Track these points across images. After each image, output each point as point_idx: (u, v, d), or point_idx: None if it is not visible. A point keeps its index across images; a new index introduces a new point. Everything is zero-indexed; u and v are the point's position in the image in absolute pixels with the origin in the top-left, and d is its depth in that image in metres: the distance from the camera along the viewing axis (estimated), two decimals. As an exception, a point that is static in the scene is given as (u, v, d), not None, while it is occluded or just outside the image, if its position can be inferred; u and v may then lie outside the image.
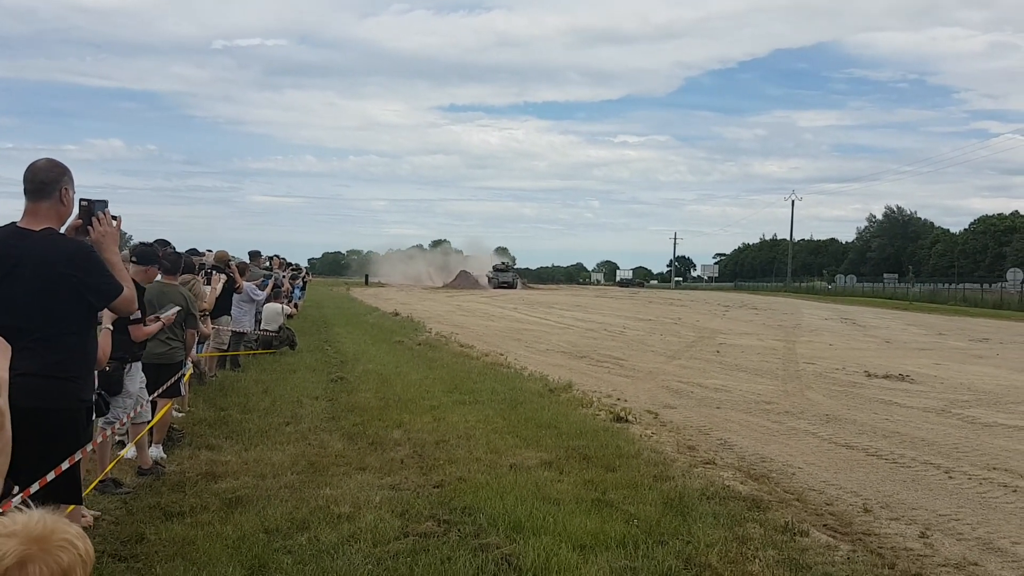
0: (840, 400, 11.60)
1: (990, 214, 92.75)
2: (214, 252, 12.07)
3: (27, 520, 1.29)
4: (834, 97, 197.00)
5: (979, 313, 41.05)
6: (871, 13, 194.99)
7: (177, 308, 6.75)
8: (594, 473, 6.63)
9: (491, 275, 76.91)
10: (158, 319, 6.32)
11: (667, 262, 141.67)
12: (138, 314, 5.73)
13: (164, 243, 8.60)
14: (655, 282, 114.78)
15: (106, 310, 3.97)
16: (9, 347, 1.97)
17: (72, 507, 3.82)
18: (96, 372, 5.37)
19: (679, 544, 5.00)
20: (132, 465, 6.54)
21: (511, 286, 73.21)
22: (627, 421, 9.19)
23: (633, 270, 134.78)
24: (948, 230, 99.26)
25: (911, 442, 8.75)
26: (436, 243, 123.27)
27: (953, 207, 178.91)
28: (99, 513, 5.36)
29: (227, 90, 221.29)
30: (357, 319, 26.50)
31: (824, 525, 5.71)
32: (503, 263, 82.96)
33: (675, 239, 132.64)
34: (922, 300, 55.54)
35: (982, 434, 9.30)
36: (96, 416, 4.05)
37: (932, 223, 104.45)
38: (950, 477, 7.26)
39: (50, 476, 3.56)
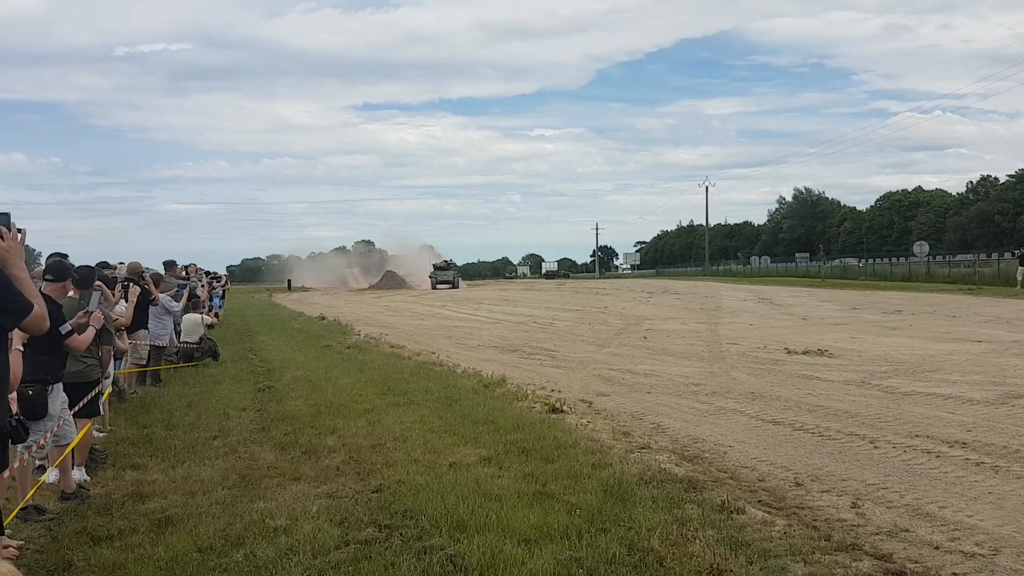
0: (764, 378, 11.89)
1: (894, 190, 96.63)
2: (126, 264, 11.65)
3: None
4: (738, 84, 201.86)
5: (889, 287, 42.65)
6: (767, 0, 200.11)
7: (99, 294, 6.48)
8: (534, 466, 6.63)
9: (432, 275, 71.53)
10: (88, 315, 6.06)
11: (591, 252, 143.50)
12: (68, 327, 5.47)
13: (61, 255, 8.27)
14: (563, 272, 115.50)
15: (16, 330, 3.76)
16: None
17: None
18: (17, 396, 5.13)
19: (621, 530, 5.04)
20: (54, 490, 6.26)
21: (453, 285, 68.63)
22: (562, 412, 9.23)
23: (558, 262, 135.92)
24: (855, 208, 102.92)
25: (835, 415, 9.02)
26: (359, 244, 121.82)
27: (858, 185, 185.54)
28: (23, 542, 5.11)
29: (132, 97, 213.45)
30: (282, 325, 25.98)
31: (759, 501, 5.83)
32: (444, 261, 76.10)
33: (597, 229, 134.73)
34: (834, 277, 57.43)
35: (902, 403, 9.65)
36: (14, 443, 3.84)
37: (839, 202, 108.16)
38: (875, 447, 7.50)
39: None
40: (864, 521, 5.40)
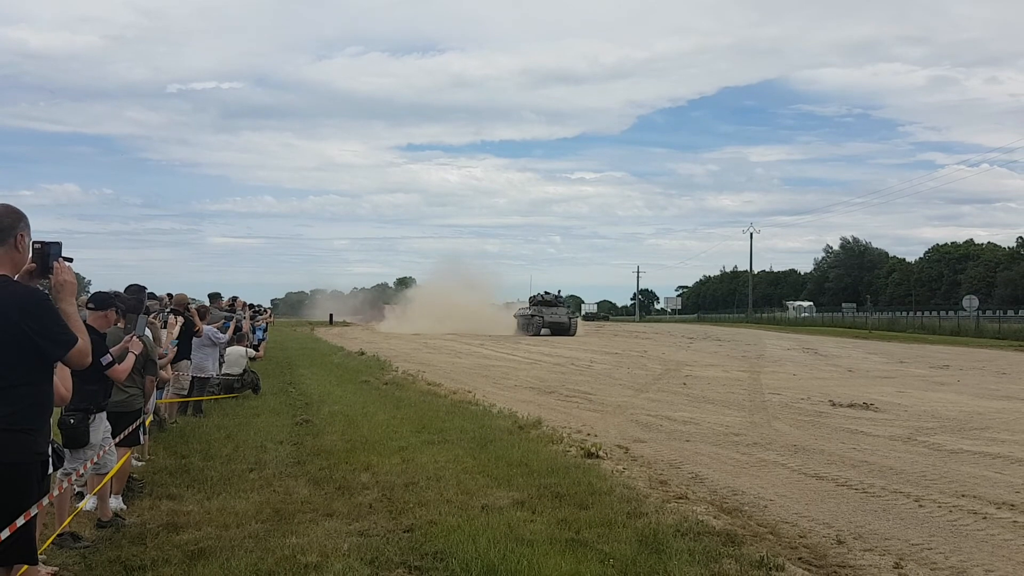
0: (807, 430, 11.65)
1: (942, 243, 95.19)
2: (175, 296, 11.85)
3: None
4: (783, 132, 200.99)
5: (937, 340, 41.78)
6: (812, 51, 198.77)
7: (146, 317, 6.59)
8: (567, 511, 6.54)
9: (529, 313, 48.42)
10: (132, 339, 6.16)
11: (631, 295, 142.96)
12: (108, 357, 5.57)
13: (140, 288, 8.45)
14: (602, 315, 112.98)
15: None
16: None
17: (25, 568, 3.65)
18: (59, 425, 5.20)
19: (655, 583, 4.93)
20: (91, 517, 6.32)
21: (566, 330, 46.46)
22: (598, 457, 9.12)
23: (598, 304, 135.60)
24: (904, 259, 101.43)
25: (879, 471, 8.79)
26: (401, 281, 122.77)
27: (905, 236, 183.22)
28: (57, 569, 5.15)
29: (183, 133, 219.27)
30: (322, 359, 26.17)
31: (799, 559, 5.68)
32: (549, 294, 50.38)
33: (638, 272, 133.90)
34: (881, 328, 56.40)
35: (949, 461, 9.38)
36: (53, 470, 3.89)
37: (887, 252, 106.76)
38: (920, 506, 7.29)
39: (4, 534, 3.40)
40: (908, 584, 5.22)
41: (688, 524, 6.22)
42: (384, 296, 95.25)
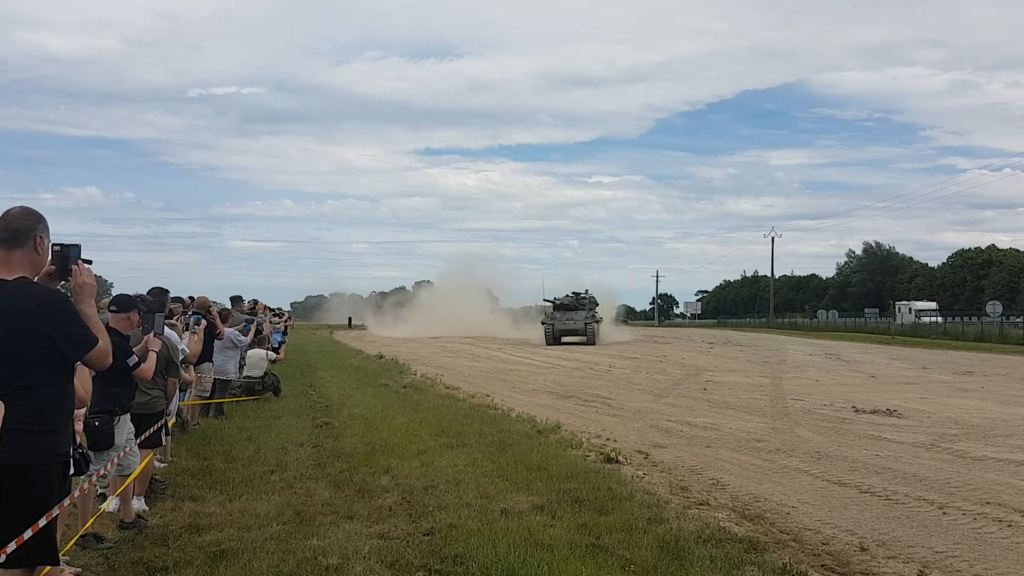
0: (830, 436, 11.55)
1: (966, 248, 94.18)
2: (196, 299, 11.93)
3: None
4: (803, 136, 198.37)
5: (961, 346, 41.31)
6: (829, 54, 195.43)
7: (161, 314, 6.63)
8: (587, 517, 6.52)
9: (547, 319, 43.45)
10: (151, 337, 6.19)
11: (650, 300, 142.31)
12: (135, 358, 5.62)
13: (163, 291, 8.52)
14: (621, 319, 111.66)
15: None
16: (1, 404, 1.89)
17: (48, 568, 3.68)
18: (84, 427, 5.25)
19: (677, 589, 4.89)
20: (114, 519, 6.37)
21: (585, 337, 41.86)
22: (618, 462, 9.08)
23: (616, 308, 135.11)
24: (927, 264, 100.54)
25: (903, 478, 8.69)
26: (419, 284, 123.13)
27: (928, 241, 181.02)
28: (80, 570, 5.19)
29: (203, 137, 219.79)
30: (341, 363, 26.29)
31: (822, 566, 5.62)
32: (572, 296, 45.43)
33: (657, 277, 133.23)
34: (904, 334, 55.81)
35: (973, 468, 9.27)
36: (76, 474, 3.92)
37: (911, 257, 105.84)
38: (944, 513, 7.20)
39: (27, 534, 3.43)
40: (933, 592, 5.16)
41: (710, 530, 6.17)
42: (380, 300, 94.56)
